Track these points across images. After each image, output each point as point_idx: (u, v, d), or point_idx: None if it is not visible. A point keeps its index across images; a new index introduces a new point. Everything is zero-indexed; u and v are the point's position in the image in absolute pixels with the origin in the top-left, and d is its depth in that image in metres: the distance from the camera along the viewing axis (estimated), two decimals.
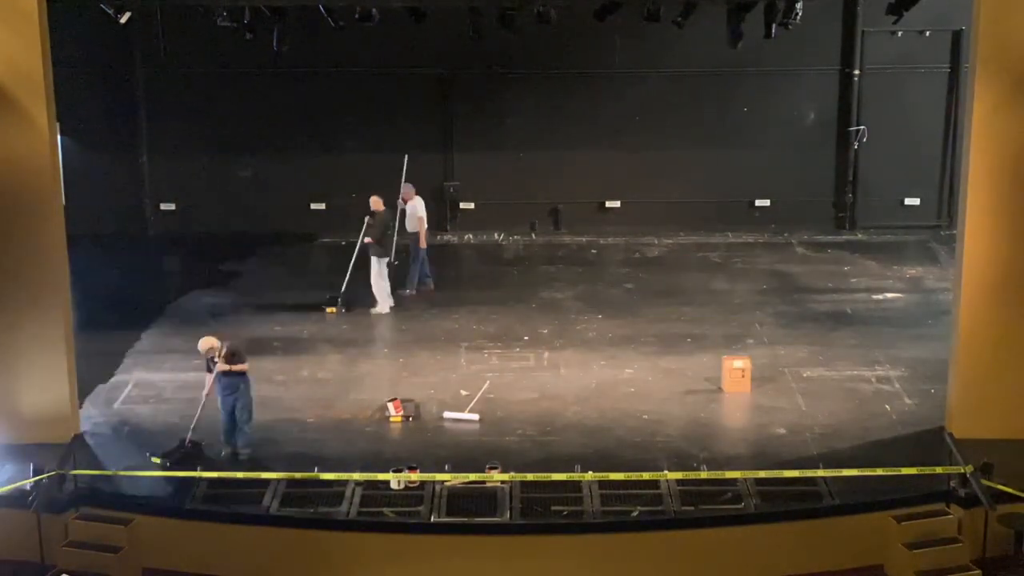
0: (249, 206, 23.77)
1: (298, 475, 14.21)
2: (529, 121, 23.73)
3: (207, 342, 15.08)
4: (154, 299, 20.55)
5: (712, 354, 17.74)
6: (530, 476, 14.16)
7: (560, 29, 19.38)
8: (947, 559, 13.46)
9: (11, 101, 14.14)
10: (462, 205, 24.12)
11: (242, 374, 15.08)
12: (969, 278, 14.70)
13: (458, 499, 14.00)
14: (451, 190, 23.94)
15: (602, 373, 17.57)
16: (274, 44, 19.46)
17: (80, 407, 15.62)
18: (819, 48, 23.41)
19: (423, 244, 20.89)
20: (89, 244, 21.45)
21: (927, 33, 23.10)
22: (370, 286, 19.88)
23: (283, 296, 20.69)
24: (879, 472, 13.95)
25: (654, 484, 14.14)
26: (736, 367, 16.77)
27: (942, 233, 23.47)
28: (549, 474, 14.14)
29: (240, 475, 14.28)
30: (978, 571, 13.35)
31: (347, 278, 19.91)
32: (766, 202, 24.15)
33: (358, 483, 14.21)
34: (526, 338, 18.89)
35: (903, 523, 13.68)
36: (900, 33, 22.60)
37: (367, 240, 19.89)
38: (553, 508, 13.88)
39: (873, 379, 17.20)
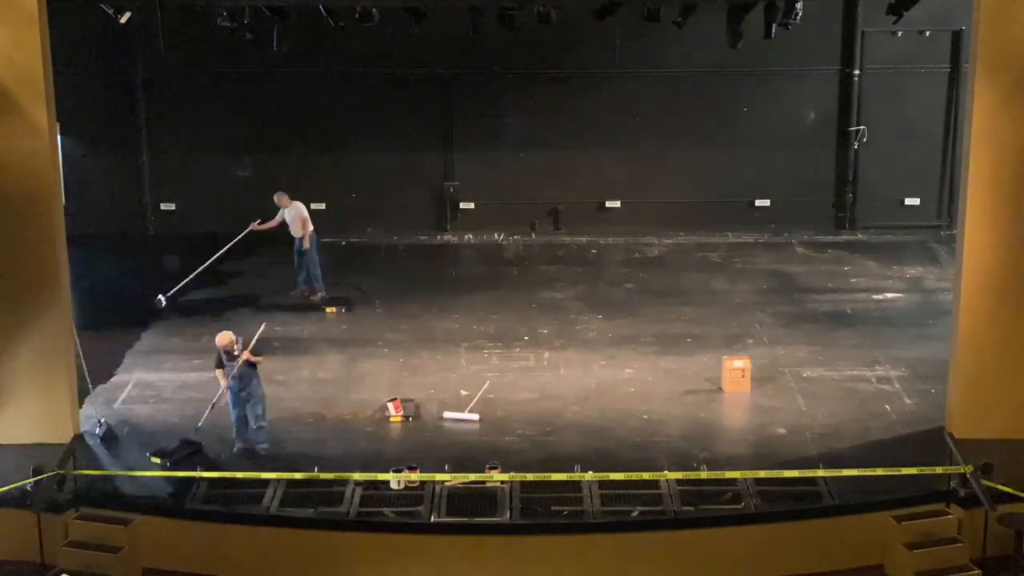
0: (249, 206, 23.73)
1: (298, 475, 14.21)
2: (529, 121, 23.72)
3: (226, 337, 15.08)
4: (154, 299, 20.52)
5: (712, 354, 17.74)
6: (530, 476, 14.17)
7: (560, 29, 19.37)
8: (947, 559, 13.47)
9: (11, 101, 14.14)
10: (462, 205, 24.10)
11: (255, 367, 15.14)
12: (969, 278, 14.70)
13: (458, 499, 14.00)
14: (451, 190, 23.94)
15: (602, 373, 17.57)
16: (274, 44, 19.45)
17: (80, 407, 15.62)
18: (819, 48, 23.40)
19: (307, 245, 20.43)
20: (89, 244, 21.46)
21: (927, 33, 23.08)
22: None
23: (283, 296, 20.70)
24: (879, 472, 13.96)
25: (654, 484, 14.15)
26: (736, 367, 16.77)
27: (942, 233, 23.47)
28: (549, 474, 14.14)
29: (240, 475, 14.28)
30: (978, 571, 13.36)
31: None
32: (766, 202, 24.14)
33: (358, 483, 14.22)
34: (526, 338, 18.90)
35: (903, 523, 13.68)
36: (900, 33, 22.58)
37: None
38: (553, 508, 13.89)
39: (873, 379, 17.21)
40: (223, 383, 15.19)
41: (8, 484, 13.71)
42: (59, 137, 15.17)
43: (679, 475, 14.19)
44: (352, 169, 23.74)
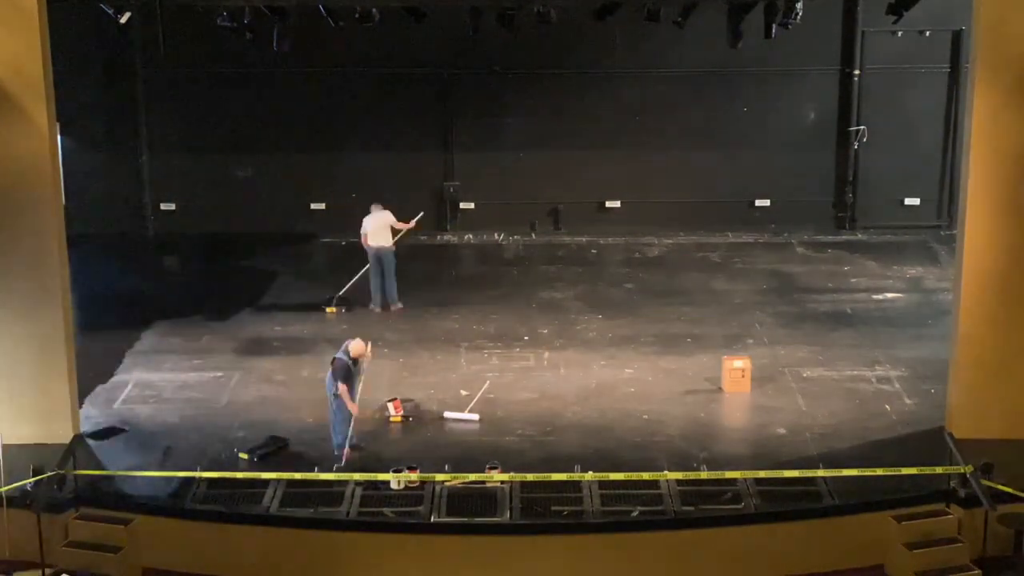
0: (249, 206, 23.77)
1: (298, 475, 14.21)
2: (529, 121, 23.72)
3: (363, 345, 15.01)
4: (154, 299, 20.55)
5: (712, 354, 17.74)
6: (530, 476, 14.16)
7: (560, 29, 19.37)
8: (947, 559, 13.47)
9: (11, 101, 14.14)
10: (462, 205, 24.11)
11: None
12: (969, 278, 14.69)
13: (458, 499, 14.00)
14: (451, 190, 23.94)
15: (602, 373, 17.56)
16: (274, 44, 19.45)
17: (80, 407, 15.62)
18: (819, 48, 23.41)
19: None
20: (89, 244, 21.47)
21: (927, 33, 23.09)
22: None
23: (283, 296, 20.71)
24: (879, 472, 13.95)
25: (654, 484, 14.14)
26: (736, 367, 16.77)
27: (942, 233, 23.47)
28: (549, 474, 14.14)
29: (240, 475, 14.27)
30: (978, 571, 13.36)
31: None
32: (766, 202, 24.14)
33: (358, 483, 14.21)
34: (526, 338, 18.89)
35: (903, 523, 13.68)
36: (900, 33, 22.59)
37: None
38: (553, 508, 13.88)
39: (873, 379, 17.20)
40: (351, 404, 14.78)
41: (8, 484, 13.70)
42: (59, 137, 15.16)
43: (679, 475, 14.18)
44: (352, 169, 23.75)
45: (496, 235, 24.05)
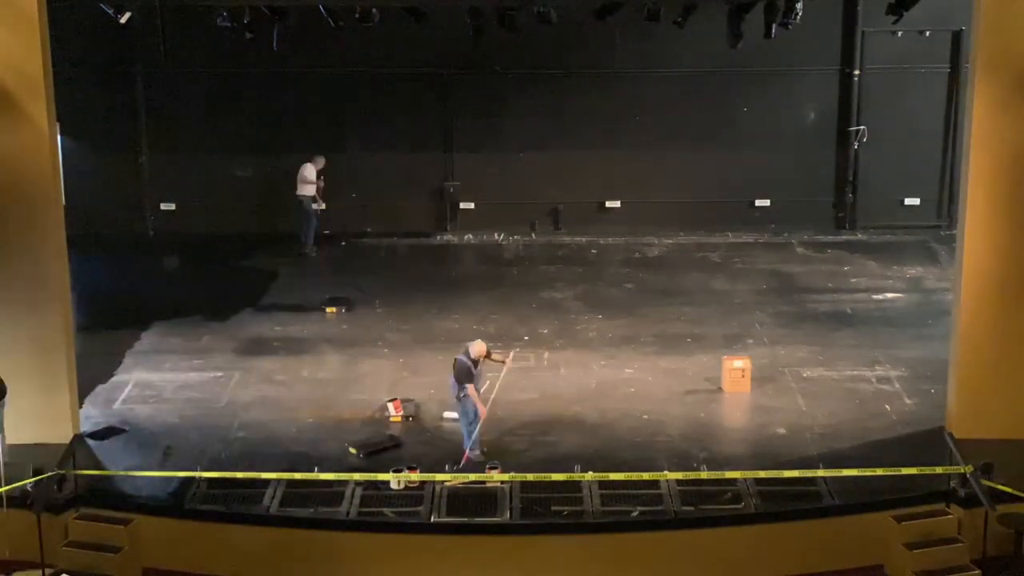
0: (249, 206, 23.76)
1: (298, 475, 14.21)
2: (529, 121, 23.71)
3: (484, 345, 14.99)
4: (154, 299, 20.55)
5: (712, 354, 17.74)
6: (530, 476, 14.16)
7: (560, 29, 19.38)
8: (947, 559, 13.47)
9: (11, 101, 14.14)
10: (462, 205, 24.10)
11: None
12: (969, 278, 14.69)
13: (458, 499, 14.00)
14: (451, 190, 23.94)
15: (602, 373, 17.56)
16: (274, 44, 19.46)
17: (80, 407, 15.62)
18: (819, 48, 23.40)
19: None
20: (89, 244, 21.46)
21: (927, 33, 23.08)
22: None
23: (283, 296, 20.70)
24: (879, 472, 13.95)
25: (654, 484, 14.15)
26: (736, 367, 16.77)
27: (942, 233, 23.46)
28: (549, 474, 14.13)
29: (240, 475, 14.27)
30: (978, 571, 13.36)
31: None
32: (766, 202, 24.14)
33: (358, 483, 14.22)
34: (526, 338, 18.89)
35: (903, 523, 13.68)
36: (900, 33, 22.59)
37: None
38: (553, 508, 13.88)
39: (873, 379, 17.20)
40: (480, 405, 14.77)
41: (8, 484, 13.71)
42: (59, 137, 15.16)
43: (679, 475, 14.19)
44: (352, 169, 23.74)
45: (496, 235, 24.05)
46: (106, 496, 14.18)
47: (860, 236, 23.91)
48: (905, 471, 13.93)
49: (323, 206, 22.63)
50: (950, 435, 14.87)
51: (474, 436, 14.77)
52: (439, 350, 18.34)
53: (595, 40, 22.43)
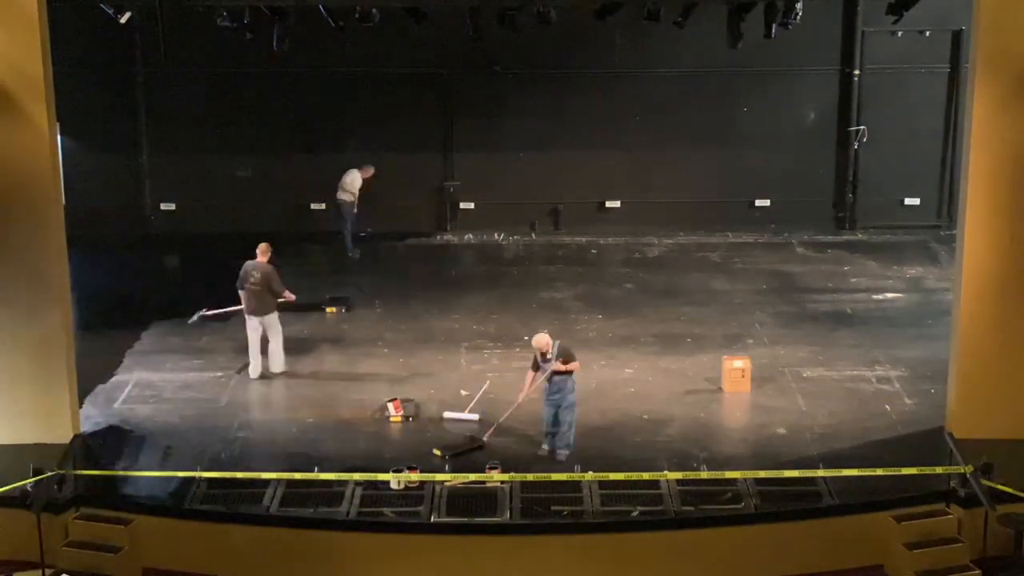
0: (249, 206, 23.76)
1: (298, 475, 14.21)
2: (529, 121, 23.70)
3: (543, 339, 15.02)
4: (154, 299, 20.55)
5: (712, 354, 17.74)
6: (530, 476, 14.17)
7: (560, 29, 19.35)
8: (947, 559, 13.47)
9: (11, 101, 14.13)
10: (462, 205, 24.10)
11: (570, 373, 15.04)
12: (969, 278, 14.69)
13: (458, 499, 14.00)
14: (451, 190, 23.94)
15: (602, 373, 17.56)
16: (274, 44, 19.44)
17: (80, 407, 15.61)
18: (819, 48, 23.40)
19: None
20: (89, 244, 21.46)
21: (927, 33, 23.08)
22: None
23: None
24: (879, 472, 13.95)
25: (654, 484, 14.15)
26: (736, 367, 16.77)
27: (942, 233, 23.45)
28: (549, 474, 14.14)
29: (240, 475, 14.27)
30: (978, 571, 13.36)
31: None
32: (766, 202, 24.14)
33: (358, 483, 14.22)
34: (526, 338, 18.80)
35: (903, 523, 13.68)
36: (900, 33, 22.58)
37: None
38: (553, 508, 13.89)
39: (873, 379, 17.21)
40: (527, 384, 15.12)
41: (8, 484, 13.71)
42: (59, 137, 15.16)
43: (679, 475, 14.19)
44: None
45: (496, 235, 24.04)
46: (106, 496, 14.18)
47: (860, 236, 23.91)
48: (905, 471, 13.94)
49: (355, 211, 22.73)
50: (950, 435, 14.86)
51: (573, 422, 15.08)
52: (439, 350, 18.38)
53: (595, 40, 22.43)
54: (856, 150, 23.76)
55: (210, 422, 15.98)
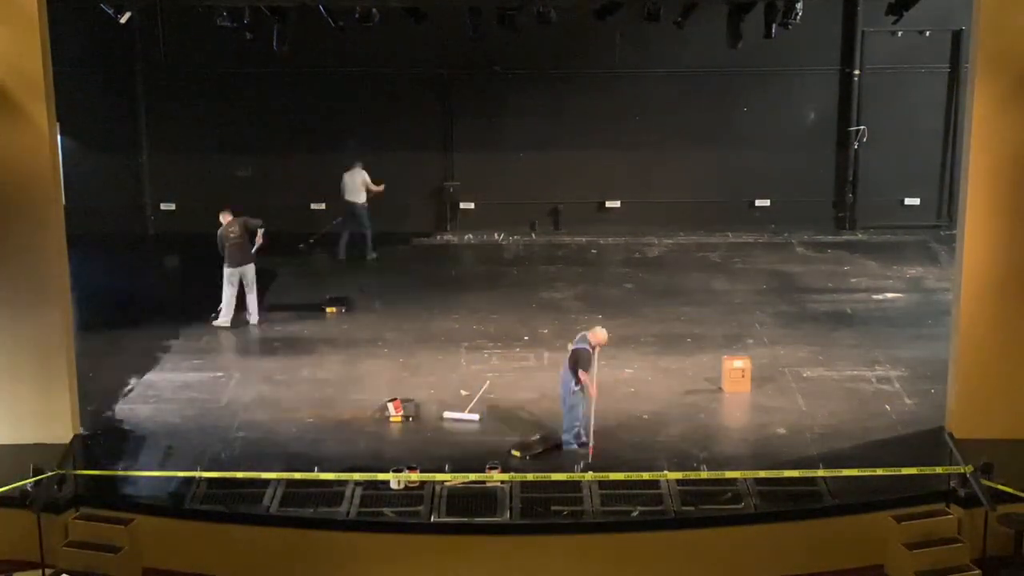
0: (249, 206, 23.71)
1: (298, 475, 14.21)
2: (529, 121, 23.73)
3: (604, 333, 15.01)
4: (154, 299, 20.55)
5: (712, 354, 17.74)
6: (530, 476, 14.16)
7: (560, 29, 19.38)
8: (947, 559, 13.46)
9: (11, 101, 14.14)
10: (462, 205, 24.13)
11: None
12: (969, 278, 14.69)
13: (458, 499, 13.99)
14: (451, 190, 23.96)
15: (602, 373, 17.46)
16: (274, 44, 19.46)
17: (80, 407, 15.60)
18: (819, 48, 23.42)
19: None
20: (89, 244, 21.46)
21: (927, 33, 23.11)
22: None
23: (283, 296, 20.70)
24: (879, 472, 13.94)
25: (654, 484, 14.13)
26: (736, 367, 16.77)
27: (942, 233, 23.47)
28: (549, 474, 14.14)
29: (240, 475, 14.27)
30: (978, 571, 13.35)
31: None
32: (766, 202, 24.16)
33: (358, 483, 14.21)
34: (526, 338, 18.89)
35: (903, 523, 13.67)
36: (900, 33, 22.60)
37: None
38: (553, 508, 13.87)
39: (873, 379, 17.20)
40: (592, 388, 14.94)
41: (8, 484, 13.71)
42: (59, 137, 15.16)
43: (679, 475, 14.18)
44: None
45: (496, 235, 24.06)
46: (106, 496, 14.17)
47: (860, 236, 23.93)
48: (905, 471, 13.93)
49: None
50: (950, 435, 14.86)
51: (591, 422, 14.93)
52: (439, 350, 18.38)
53: (595, 40, 22.46)
54: (856, 150, 23.78)
55: (210, 422, 15.98)
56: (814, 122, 23.94)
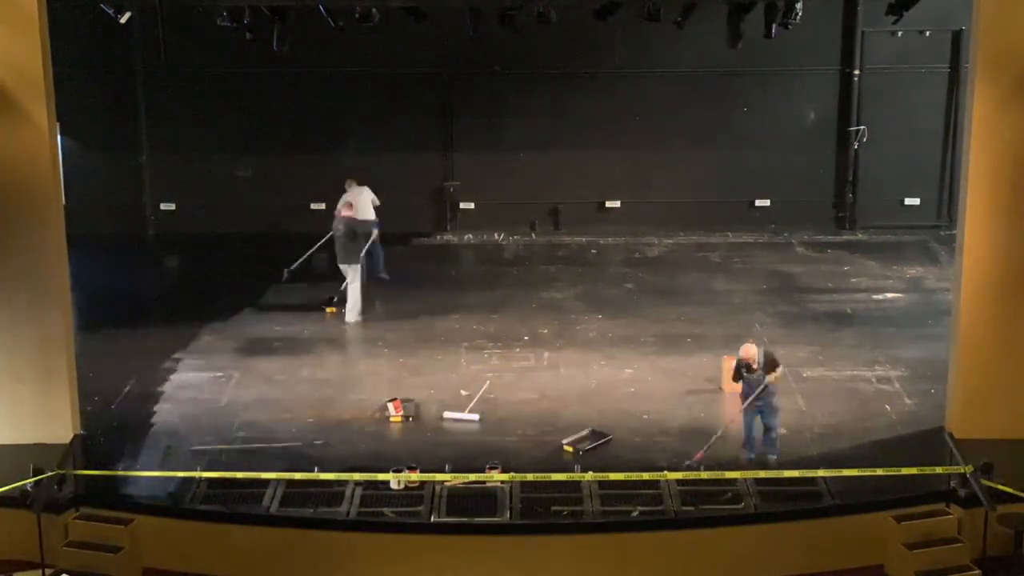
0: (249, 206, 23.77)
1: (298, 475, 14.21)
2: (529, 121, 23.72)
3: (752, 350, 14.86)
4: (154, 299, 20.54)
5: (712, 354, 17.73)
6: (530, 476, 14.16)
7: (560, 29, 19.35)
8: (947, 559, 13.46)
9: (11, 101, 14.14)
10: (462, 205, 24.12)
11: (778, 381, 14.93)
12: (969, 278, 14.69)
13: (458, 499, 14.00)
14: (451, 190, 23.95)
15: (602, 373, 17.57)
16: (274, 44, 19.44)
17: (80, 407, 15.60)
18: (819, 48, 23.41)
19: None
20: (89, 244, 21.46)
21: (927, 33, 23.10)
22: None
23: (283, 296, 20.70)
24: (879, 472, 13.95)
25: (654, 484, 14.13)
26: None
27: (942, 233, 23.46)
28: (549, 474, 14.13)
29: (240, 475, 14.27)
30: (978, 571, 13.35)
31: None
32: (766, 202, 24.15)
33: (358, 483, 14.21)
34: (526, 338, 18.89)
35: (903, 523, 13.67)
36: (900, 33, 22.60)
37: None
38: (553, 508, 13.88)
39: (873, 379, 17.20)
40: (743, 402, 14.84)
41: (8, 484, 13.71)
42: (59, 137, 15.16)
43: (679, 475, 14.18)
44: (352, 169, 23.68)
45: (496, 235, 24.06)
46: (106, 496, 14.17)
47: (860, 236, 23.93)
48: (905, 471, 13.93)
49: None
50: (950, 435, 14.86)
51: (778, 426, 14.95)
52: (439, 350, 18.38)
53: (595, 40, 22.43)
54: (856, 150, 23.77)
55: (210, 422, 15.98)
56: (814, 122, 23.93)
